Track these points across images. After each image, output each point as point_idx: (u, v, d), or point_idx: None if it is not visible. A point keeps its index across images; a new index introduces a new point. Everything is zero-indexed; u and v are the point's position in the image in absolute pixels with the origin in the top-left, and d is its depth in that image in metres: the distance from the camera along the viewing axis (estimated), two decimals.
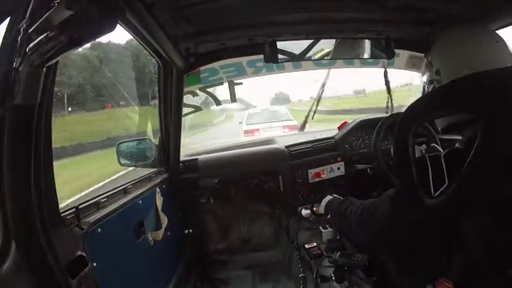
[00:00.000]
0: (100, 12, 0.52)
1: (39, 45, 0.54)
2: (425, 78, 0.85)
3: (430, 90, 0.83)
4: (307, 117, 2.47)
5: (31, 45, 0.54)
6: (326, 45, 1.49)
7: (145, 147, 1.59)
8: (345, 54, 1.59)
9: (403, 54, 1.88)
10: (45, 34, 0.53)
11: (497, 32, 0.81)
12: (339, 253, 1.33)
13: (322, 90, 2.39)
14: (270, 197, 1.92)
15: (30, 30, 0.54)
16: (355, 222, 0.92)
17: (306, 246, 1.62)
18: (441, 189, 0.65)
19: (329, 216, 1.21)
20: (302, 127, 2.58)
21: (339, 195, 1.29)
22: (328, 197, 1.27)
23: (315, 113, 2.43)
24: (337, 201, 1.17)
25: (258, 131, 5.91)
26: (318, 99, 2.42)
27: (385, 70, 2.13)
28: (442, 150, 1.31)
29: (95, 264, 0.82)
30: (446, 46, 0.80)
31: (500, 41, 0.75)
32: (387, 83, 2.17)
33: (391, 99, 2.18)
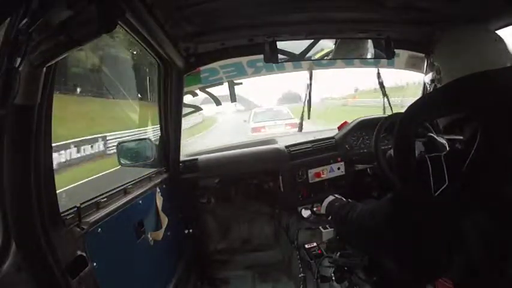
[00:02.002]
0: (100, 12, 0.52)
1: (39, 45, 0.54)
2: (427, 78, 0.85)
3: (431, 90, 0.83)
4: None
5: (31, 45, 0.54)
6: (326, 45, 1.49)
7: (145, 147, 1.58)
8: (345, 54, 1.60)
9: (403, 54, 1.88)
10: (45, 34, 0.53)
11: (497, 32, 0.81)
12: (339, 253, 1.33)
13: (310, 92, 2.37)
14: (270, 197, 1.92)
15: (30, 30, 0.54)
16: (355, 225, 0.92)
17: (306, 246, 1.62)
18: (441, 189, 0.65)
19: (330, 217, 1.21)
20: None
21: (340, 195, 1.29)
22: (330, 197, 1.27)
23: None
24: (338, 203, 1.17)
25: (264, 128, 6.27)
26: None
27: (378, 71, 2.18)
28: (444, 142, 1.29)
29: (95, 264, 0.82)
30: (447, 47, 0.80)
31: (500, 41, 0.75)
32: (381, 83, 2.22)
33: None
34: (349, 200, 1.19)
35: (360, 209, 0.94)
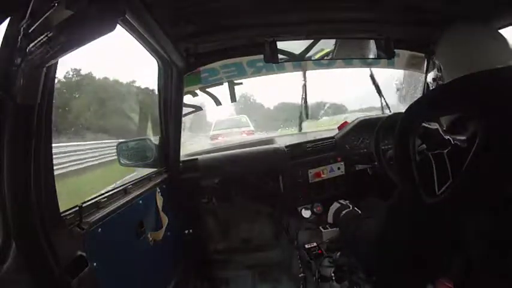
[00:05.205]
0: (100, 12, 0.52)
1: (39, 45, 0.54)
2: (429, 77, 0.85)
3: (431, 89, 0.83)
4: None
5: (31, 45, 0.54)
6: (326, 45, 1.49)
7: (145, 147, 1.58)
8: (345, 54, 1.60)
9: (403, 54, 1.88)
10: (45, 34, 0.53)
11: (500, 31, 0.80)
12: (339, 253, 1.33)
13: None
14: (270, 197, 1.92)
15: (30, 30, 0.54)
16: (362, 245, 0.91)
17: (306, 246, 1.62)
18: (444, 187, 0.64)
19: (338, 228, 1.20)
20: None
21: (339, 195, 1.29)
22: (336, 205, 1.26)
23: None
24: (344, 212, 1.15)
25: (221, 135, 6.44)
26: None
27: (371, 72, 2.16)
28: (436, 127, 1.29)
29: (95, 264, 0.82)
30: (448, 46, 0.79)
31: (502, 39, 0.75)
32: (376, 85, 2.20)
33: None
34: (355, 208, 1.18)
35: (365, 229, 0.92)
